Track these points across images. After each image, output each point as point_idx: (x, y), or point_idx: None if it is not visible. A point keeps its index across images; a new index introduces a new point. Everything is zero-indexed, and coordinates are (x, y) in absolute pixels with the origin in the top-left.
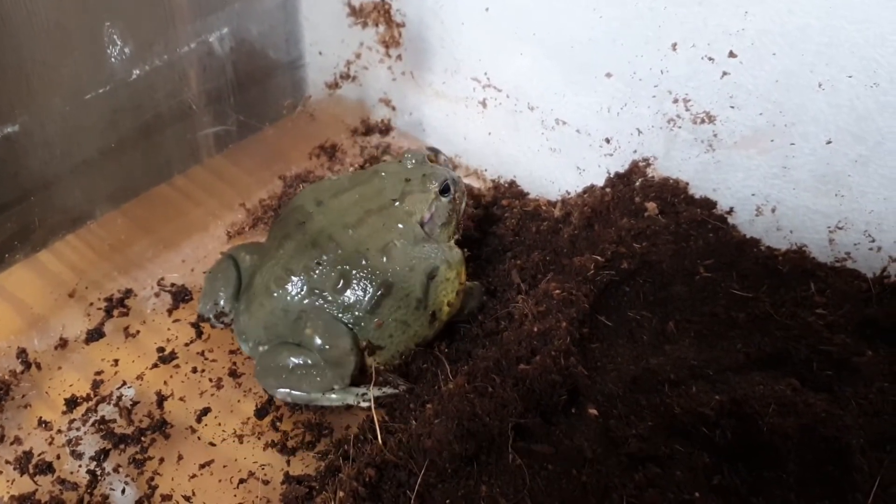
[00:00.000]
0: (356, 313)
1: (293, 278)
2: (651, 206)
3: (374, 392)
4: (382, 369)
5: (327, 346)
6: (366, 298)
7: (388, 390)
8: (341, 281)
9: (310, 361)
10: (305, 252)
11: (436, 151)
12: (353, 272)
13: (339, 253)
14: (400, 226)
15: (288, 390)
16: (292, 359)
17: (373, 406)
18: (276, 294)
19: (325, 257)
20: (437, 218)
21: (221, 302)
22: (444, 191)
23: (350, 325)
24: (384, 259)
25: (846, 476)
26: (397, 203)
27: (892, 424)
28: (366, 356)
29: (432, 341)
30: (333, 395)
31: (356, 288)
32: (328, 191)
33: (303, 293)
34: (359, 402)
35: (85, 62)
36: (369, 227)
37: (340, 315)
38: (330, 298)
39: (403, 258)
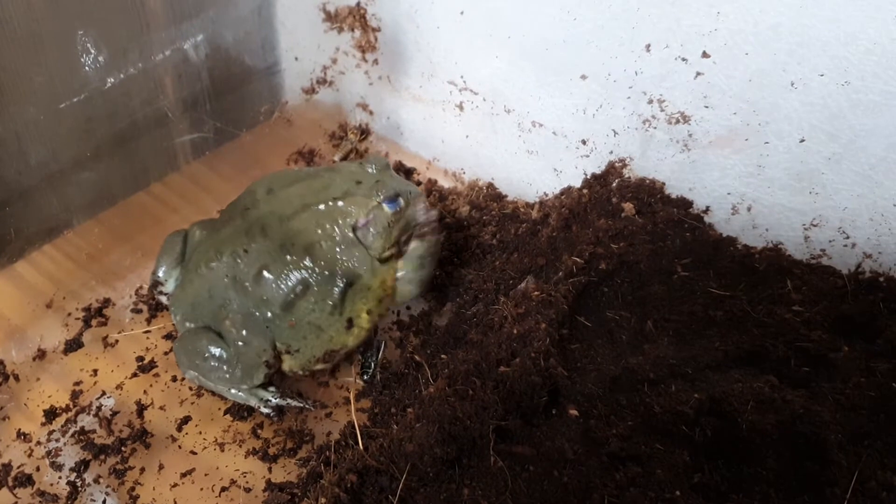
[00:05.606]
0: (272, 310)
1: (219, 262)
2: (628, 206)
3: (277, 400)
4: (300, 374)
5: (241, 343)
6: (280, 296)
7: (293, 402)
8: (262, 273)
9: (224, 356)
10: (237, 238)
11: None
12: (274, 266)
13: (266, 244)
14: (331, 226)
15: (197, 374)
16: (210, 348)
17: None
18: (203, 274)
19: (253, 246)
20: (373, 226)
21: (160, 272)
22: (390, 201)
23: (266, 324)
24: (307, 258)
25: (825, 471)
26: (337, 202)
27: (870, 419)
28: (283, 358)
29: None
30: (239, 393)
31: (273, 283)
32: (282, 181)
33: (226, 280)
34: (260, 407)
35: (59, 71)
36: (301, 223)
37: (256, 310)
38: (249, 290)
39: (326, 260)
